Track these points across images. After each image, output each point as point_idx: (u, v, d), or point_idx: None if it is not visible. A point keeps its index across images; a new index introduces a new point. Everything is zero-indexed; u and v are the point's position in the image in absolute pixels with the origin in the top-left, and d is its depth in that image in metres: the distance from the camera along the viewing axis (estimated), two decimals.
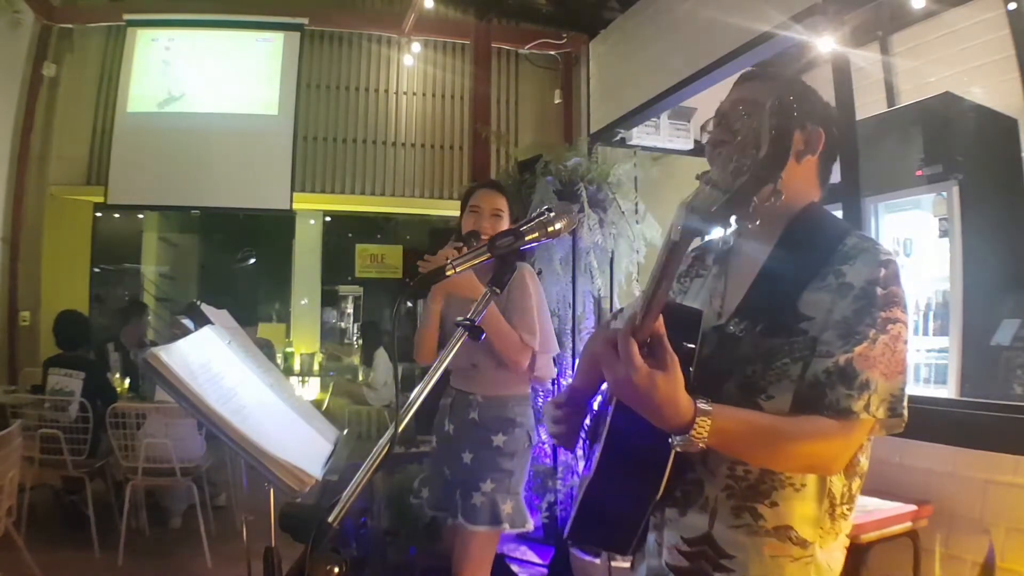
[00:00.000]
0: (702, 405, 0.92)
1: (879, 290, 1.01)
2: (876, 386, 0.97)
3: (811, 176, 1.16)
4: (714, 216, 0.80)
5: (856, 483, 1.08)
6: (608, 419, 1.02)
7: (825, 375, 0.99)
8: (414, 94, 6.61)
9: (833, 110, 1.22)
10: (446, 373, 2.04)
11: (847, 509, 1.08)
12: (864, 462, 1.09)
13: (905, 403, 1.00)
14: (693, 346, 1.00)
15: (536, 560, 3.72)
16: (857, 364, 0.98)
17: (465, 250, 2.10)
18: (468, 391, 2.32)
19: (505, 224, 2.30)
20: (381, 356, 6.56)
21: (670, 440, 0.93)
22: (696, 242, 0.91)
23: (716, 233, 1.31)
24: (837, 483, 1.06)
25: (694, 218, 0.81)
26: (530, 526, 2.27)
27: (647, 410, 0.91)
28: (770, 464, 1.02)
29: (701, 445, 0.92)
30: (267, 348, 6.33)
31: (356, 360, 7.52)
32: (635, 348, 0.88)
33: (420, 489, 2.42)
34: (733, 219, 0.80)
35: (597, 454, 1.03)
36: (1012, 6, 3.12)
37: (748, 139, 0.80)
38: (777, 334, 1.04)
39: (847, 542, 1.11)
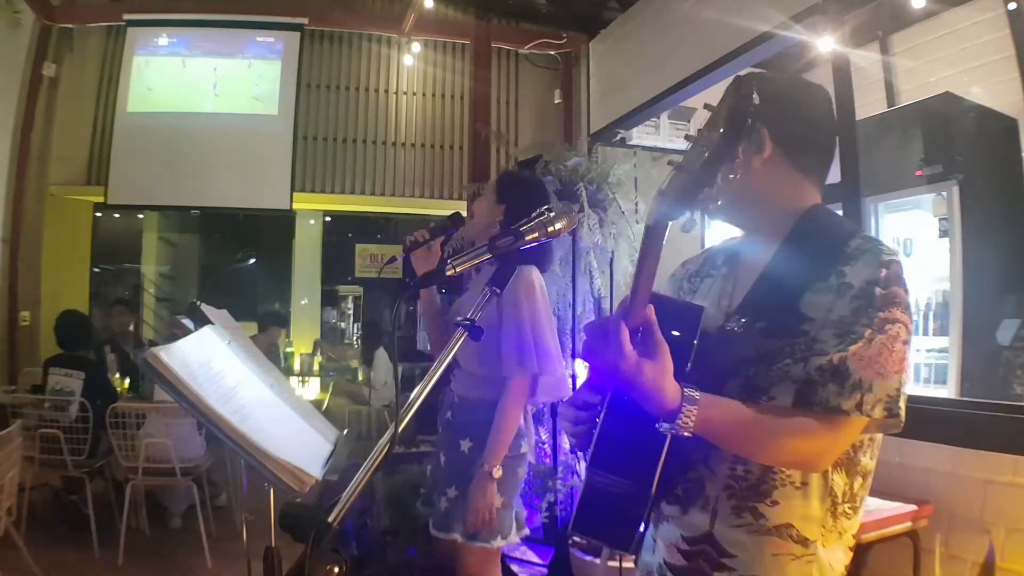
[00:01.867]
0: (689, 393, 0.94)
1: (878, 290, 1.00)
2: (870, 386, 0.97)
3: (791, 177, 1.13)
4: (683, 196, 0.84)
5: (858, 482, 1.08)
6: (602, 415, 1.02)
7: (818, 372, 0.99)
8: (414, 94, 6.61)
9: (823, 104, 1.18)
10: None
11: (849, 508, 1.07)
12: (866, 461, 1.09)
13: (902, 403, 1.00)
14: (691, 341, 1.01)
15: (536, 560, 3.71)
16: (851, 363, 0.97)
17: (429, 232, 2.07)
18: (452, 388, 2.23)
19: (484, 201, 2.25)
20: (381, 356, 6.55)
21: (658, 425, 0.95)
22: (690, 239, 0.91)
23: (726, 234, 1.32)
24: (839, 481, 1.05)
25: (666, 201, 0.85)
26: (499, 544, 2.07)
27: (635, 394, 0.93)
28: (755, 456, 1.03)
29: (686, 433, 0.94)
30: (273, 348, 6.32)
31: (356, 362, 7.52)
32: (626, 335, 0.90)
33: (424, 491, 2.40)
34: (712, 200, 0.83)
35: (592, 447, 1.04)
36: (1012, 6, 3.12)
37: (710, 122, 0.84)
38: (779, 335, 1.04)
39: (852, 543, 1.10)
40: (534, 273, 2.12)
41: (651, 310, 0.92)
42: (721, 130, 0.81)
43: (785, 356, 1.02)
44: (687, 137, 0.86)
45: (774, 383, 1.02)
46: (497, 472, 2.00)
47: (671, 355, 0.95)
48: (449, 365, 2.17)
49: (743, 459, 1.05)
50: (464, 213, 2.37)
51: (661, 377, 0.92)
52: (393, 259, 1.89)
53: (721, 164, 0.82)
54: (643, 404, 0.94)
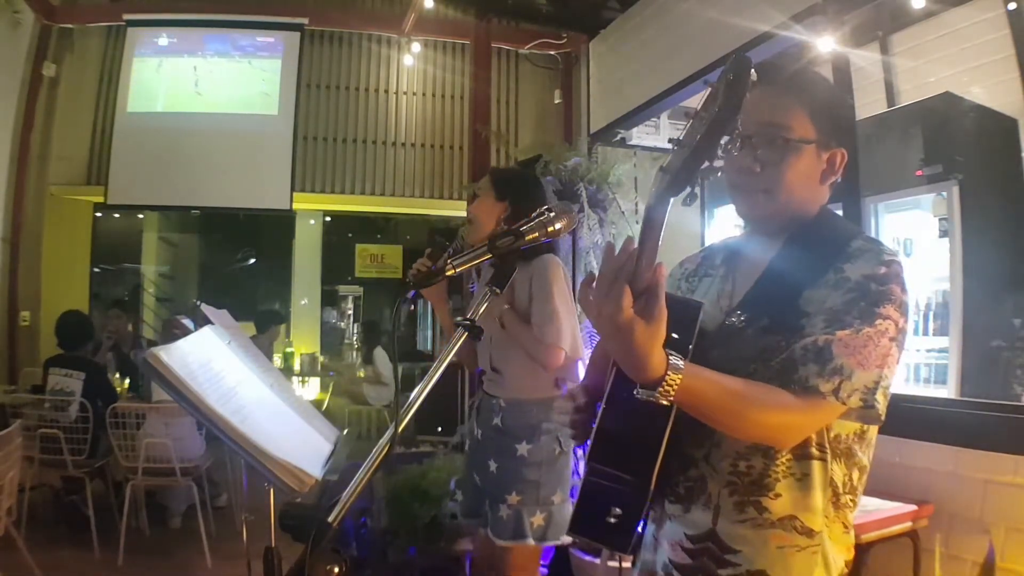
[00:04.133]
0: (674, 361, 0.90)
1: (874, 286, 1.01)
2: (850, 374, 0.97)
3: (825, 188, 1.17)
4: (683, 171, 0.82)
5: (856, 474, 1.09)
6: (601, 407, 1.02)
7: (801, 351, 0.99)
8: (414, 94, 6.61)
9: (839, 96, 1.22)
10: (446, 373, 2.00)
11: (851, 499, 1.08)
12: (861, 456, 1.09)
13: (880, 396, 0.99)
14: (689, 338, 1.00)
15: None
16: (835, 348, 0.97)
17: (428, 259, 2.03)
18: (492, 395, 2.21)
19: (484, 202, 2.20)
20: (380, 354, 6.56)
21: (636, 392, 0.92)
22: (690, 237, 0.91)
23: (724, 235, 1.32)
24: (838, 471, 1.06)
25: (666, 178, 0.83)
26: (567, 539, 2.13)
27: (620, 355, 0.90)
28: (730, 428, 1.01)
29: (665, 402, 0.91)
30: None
31: (361, 374, 7.52)
32: (626, 289, 0.86)
33: (455, 492, 2.38)
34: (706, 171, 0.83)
35: (590, 443, 1.03)
36: (1012, 6, 3.12)
37: (710, 97, 0.83)
38: (778, 332, 1.05)
39: (853, 542, 1.11)
40: (556, 259, 2.17)
41: (661, 271, 0.88)
42: (719, 102, 0.80)
43: (782, 351, 1.03)
44: (687, 115, 0.86)
45: (772, 378, 1.02)
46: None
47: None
48: (488, 372, 2.19)
49: (744, 455, 1.06)
50: (464, 213, 2.36)
51: (651, 341, 0.87)
52: (407, 299, 1.86)
53: (723, 131, 0.81)
54: (627, 367, 0.90)
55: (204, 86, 6.24)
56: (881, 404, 0.99)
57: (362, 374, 6.60)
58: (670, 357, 0.90)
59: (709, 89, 0.84)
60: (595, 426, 1.04)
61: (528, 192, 2.26)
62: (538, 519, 2.07)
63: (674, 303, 0.90)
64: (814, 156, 1.12)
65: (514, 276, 2.12)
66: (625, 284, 0.86)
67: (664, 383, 0.90)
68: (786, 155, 1.10)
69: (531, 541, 2.07)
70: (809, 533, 1.04)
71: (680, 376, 0.90)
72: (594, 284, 0.90)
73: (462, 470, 2.39)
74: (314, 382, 7.98)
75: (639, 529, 1.06)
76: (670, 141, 0.87)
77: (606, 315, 0.87)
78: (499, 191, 2.20)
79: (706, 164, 0.82)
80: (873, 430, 1.10)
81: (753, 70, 0.81)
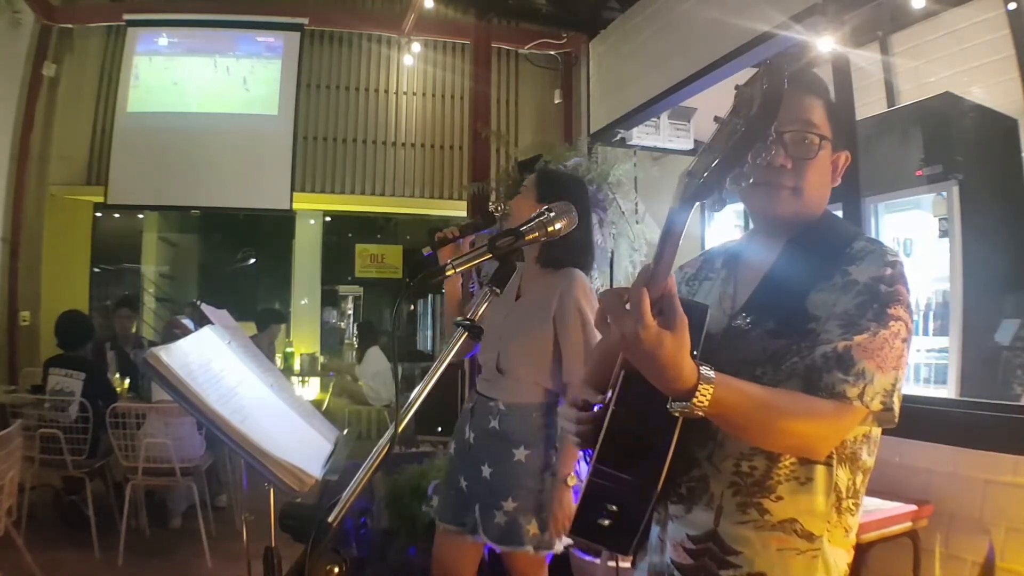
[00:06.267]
0: (705, 371, 0.90)
1: (883, 287, 1.02)
2: (872, 377, 0.98)
3: (830, 189, 1.18)
4: (711, 178, 0.82)
5: (860, 478, 1.09)
6: (609, 409, 1.01)
7: (823, 359, 1.00)
8: (414, 94, 6.61)
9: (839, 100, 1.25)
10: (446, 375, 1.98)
11: (853, 504, 1.08)
12: (867, 458, 1.09)
13: (896, 399, 1.00)
14: (696, 340, 0.99)
15: None
16: (855, 353, 0.98)
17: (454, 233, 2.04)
18: (490, 396, 2.12)
19: (525, 200, 2.15)
20: (373, 352, 6.56)
21: (668, 406, 0.91)
22: (689, 240, 0.91)
23: (725, 237, 1.32)
24: (843, 476, 1.06)
25: (693, 182, 0.83)
26: (559, 548, 2.05)
27: (651, 370, 0.88)
28: (759, 439, 1.01)
29: (699, 413, 0.90)
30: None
31: (355, 360, 7.53)
32: (647, 303, 0.84)
33: (432, 496, 2.34)
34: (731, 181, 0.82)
35: (597, 445, 1.03)
36: (1012, 6, 3.12)
37: (742, 103, 0.82)
38: (786, 335, 1.05)
39: (854, 542, 1.11)
40: (584, 278, 2.12)
41: (672, 280, 0.87)
42: (755, 109, 0.79)
43: (792, 355, 1.03)
44: (716, 119, 0.86)
45: (782, 381, 1.03)
46: (572, 480, 1.99)
47: None
48: (472, 371, 2.13)
49: (747, 455, 1.06)
50: (464, 213, 2.35)
51: (680, 351, 0.86)
52: (423, 255, 1.79)
53: (756, 140, 0.80)
54: (657, 380, 0.89)
55: (204, 86, 6.24)
56: (897, 406, 1.01)
57: (361, 382, 6.60)
58: (700, 368, 0.89)
59: (738, 94, 0.83)
60: (604, 427, 1.03)
61: (567, 194, 2.22)
62: (534, 527, 2.02)
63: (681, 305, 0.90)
64: (829, 155, 1.14)
65: (536, 280, 2.14)
66: (643, 295, 0.84)
67: (697, 394, 0.89)
68: (815, 152, 1.11)
69: (529, 549, 2.01)
70: (809, 537, 1.04)
71: (712, 387, 0.89)
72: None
73: (442, 475, 2.31)
74: (314, 382, 7.98)
75: (640, 531, 1.05)
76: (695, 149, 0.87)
77: (631, 334, 0.85)
78: (540, 193, 2.15)
79: (736, 170, 0.81)
80: (878, 428, 1.10)
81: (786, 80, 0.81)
